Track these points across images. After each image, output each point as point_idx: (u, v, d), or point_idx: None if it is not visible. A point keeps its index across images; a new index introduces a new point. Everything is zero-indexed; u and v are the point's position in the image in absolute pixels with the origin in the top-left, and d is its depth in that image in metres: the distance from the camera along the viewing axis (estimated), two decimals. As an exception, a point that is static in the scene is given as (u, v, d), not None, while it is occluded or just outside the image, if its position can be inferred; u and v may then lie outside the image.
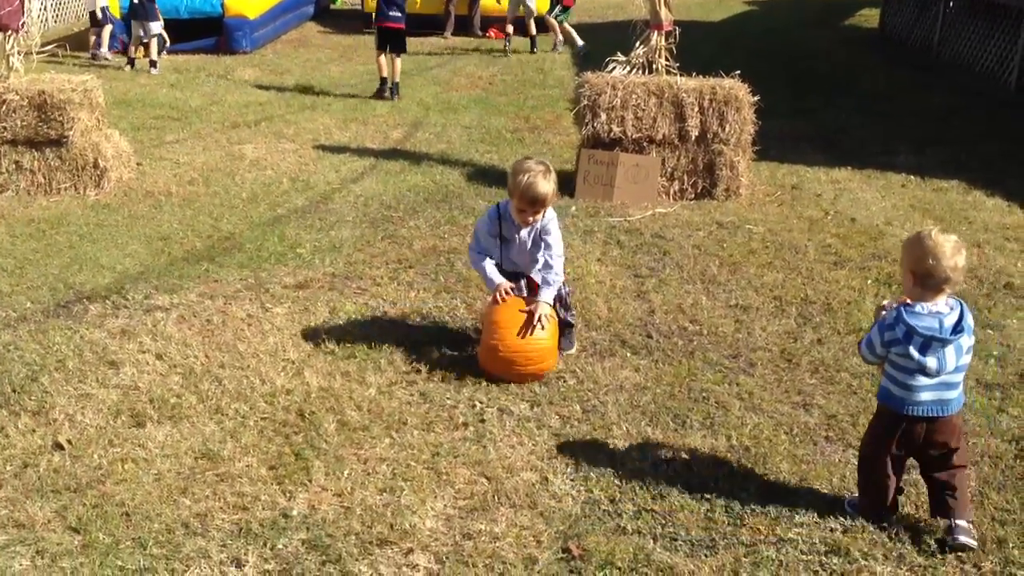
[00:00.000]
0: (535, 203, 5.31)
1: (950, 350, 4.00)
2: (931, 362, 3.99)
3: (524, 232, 5.52)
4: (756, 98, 9.09)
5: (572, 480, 4.57)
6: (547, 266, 5.52)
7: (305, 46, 19.25)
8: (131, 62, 15.77)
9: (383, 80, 13.92)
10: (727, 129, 9.09)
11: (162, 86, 14.54)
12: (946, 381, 4.05)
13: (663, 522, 4.25)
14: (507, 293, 5.49)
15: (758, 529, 4.18)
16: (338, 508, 4.32)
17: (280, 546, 4.05)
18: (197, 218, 8.50)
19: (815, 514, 4.28)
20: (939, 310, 4.01)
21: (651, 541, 4.12)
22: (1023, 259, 7.62)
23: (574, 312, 6.11)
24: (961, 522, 4.04)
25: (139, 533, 4.10)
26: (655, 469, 4.66)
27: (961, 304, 4.05)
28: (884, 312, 4.15)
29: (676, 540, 4.13)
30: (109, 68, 15.75)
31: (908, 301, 4.06)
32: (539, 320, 5.39)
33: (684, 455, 4.77)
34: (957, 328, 3.98)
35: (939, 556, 3.98)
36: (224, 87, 14.70)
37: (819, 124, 12.50)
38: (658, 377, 5.62)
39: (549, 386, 5.50)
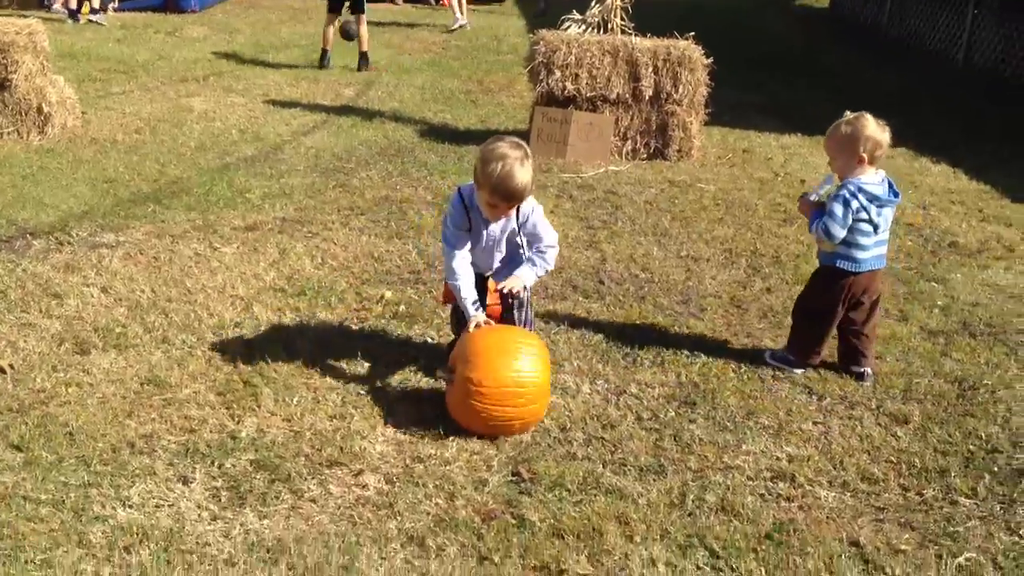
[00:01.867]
0: (511, 199, 4.24)
1: (888, 210, 4.83)
2: (882, 221, 4.79)
3: (494, 227, 4.50)
4: (710, 60, 9.14)
5: (523, 411, 4.56)
6: (539, 252, 4.58)
7: (255, 7, 19.00)
8: (73, 14, 15.43)
9: (325, 51, 13.35)
10: (680, 90, 9.13)
11: (108, 41, 14.25)
12: (883, 238, 4.88)
13: (612, 449, 4.27)
14: (485, 324, 4.47)
15: (706, 457, 4.21)
16: (287, 432, 4.28)
17: (228, 465, 4.00)
18: (144, 163, 8.35)
19: (762, 444, 4.33)
20: (880, 179, 4.78)
21: (600, 466, 4.13)
22: (967, 220, 7.77)
23: (532, 321, 5.05)
24: (869, 369, 4.99)
25: (83, 452, 4.03)
26: (606, 401, 4.68)
27: (884, 173, 4.84)
28: (813, 198, 4.95)
29: (625, 466, 4.14)
30: (54, 21, 15.39)
31: (849, 178, 4.78)
32: (513, 295, 4.53)
33: (634, 389, 4.79)
34: (894, 192, 4.79)
35: (883, 483, 4.05)
36: (172, 44, 14.46)
37: (770, 96, 12.63)
38: (610, 319, 5.64)
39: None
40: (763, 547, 3.58)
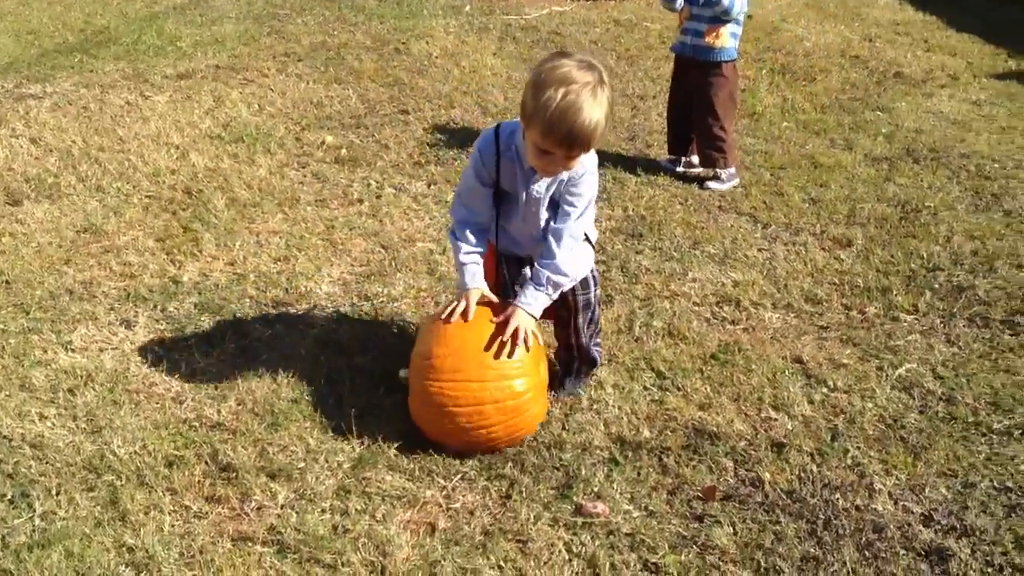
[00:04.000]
0: (573, 144, 2.77)
1: None
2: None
3: (539, 186, 3.05)
4: None
5: (469, 248, 4.52)
6: (548, 252, 3.08)
7: None
8: None
9: None
10: (624, -76, 8.83)
11: None
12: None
13: (560, 281, 4.26)
14: (464, 312, 3.09)
15: (652, 286, 4.23)
16: (231, 275, 4.22)
17: (171, 309, 3.94)
18: (68, 14, 8.00)
19: (708, 271, 4.35)
20: None
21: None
22: (912, 51, 7.72)
23: (598, 328, 3.50)
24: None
25: (21, 299, 3.94)
26: (552, 236, 4.65)
27: None
28: None
29: (573, 296, 4.15)
30: None
31: None
32: (515, 338, 3.04)
33: (581, 224, 4.76)
34: None
35: (826, 303, 4.10)
36: None
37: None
38: (555, 157, 5.56)
39: (445, 165, 5.41)
40: (708, 367, 3.63)
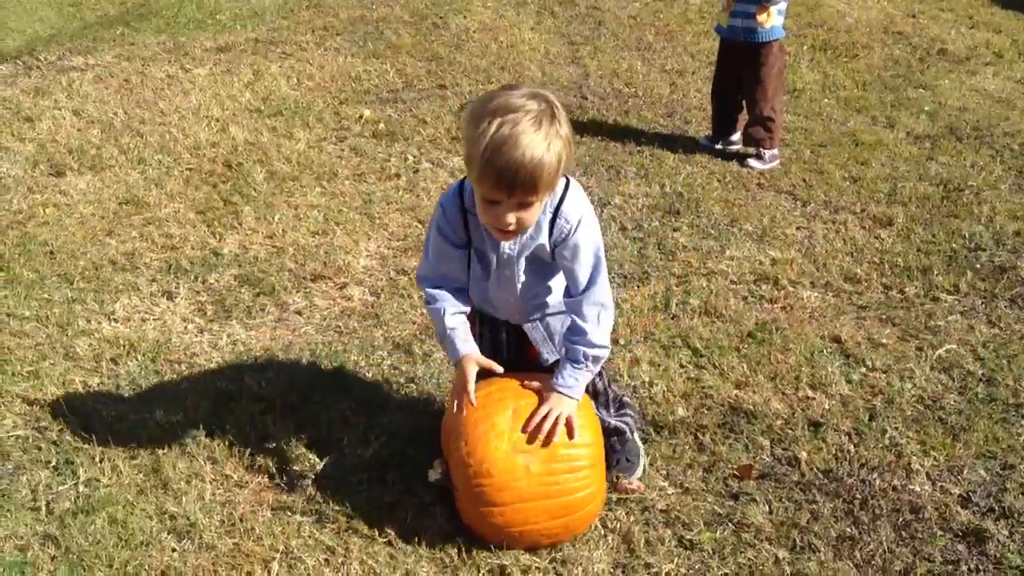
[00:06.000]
0: (514, 185, 2.24)
1: None
2: None
3: (507, 245, 2.53)
4: None
5: (506, 223, 4.52)
6: (576, 328, 2.56)
7: None
8: None
9: None
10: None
11: None
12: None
13: (597, 257, 4.26)
14: (465, 394, 2.59)
15: (689, 263, 4.21)
16: (270, 248, 4.25)
17: (212, 280, 3.99)
18: (109, -14, 8.05)
19: (745, 249, 4.32)
20: None
21: (585, 274, 4.13)
22: (956, 28, 7.59)
23: (626, 400, 3.02)
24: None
25: (64, 270, 4.00)
26: (589, 212, 4.65)
27: None
28: None
29: (609, 273, 4.14)
30: None
31: None
32: (556, 424, 2.56)
33: (618, 201, 4.75)
34: None
35: (865, 282, 4.06)
36: None
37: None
38: (593, 134, 5.55)
39: (482, 140, 5.41)
40: (745, 345, 3.62)
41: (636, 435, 2.96)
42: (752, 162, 5.17)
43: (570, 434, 2.55)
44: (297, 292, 3.94)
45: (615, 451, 2.86)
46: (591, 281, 2.51)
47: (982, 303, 3.90)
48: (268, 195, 4.68)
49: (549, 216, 2.45)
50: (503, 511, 2.54)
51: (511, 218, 2.31)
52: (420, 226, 4.47)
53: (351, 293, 3.95)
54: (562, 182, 2.43)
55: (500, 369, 2.62)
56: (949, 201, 4.75)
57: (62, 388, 3.28)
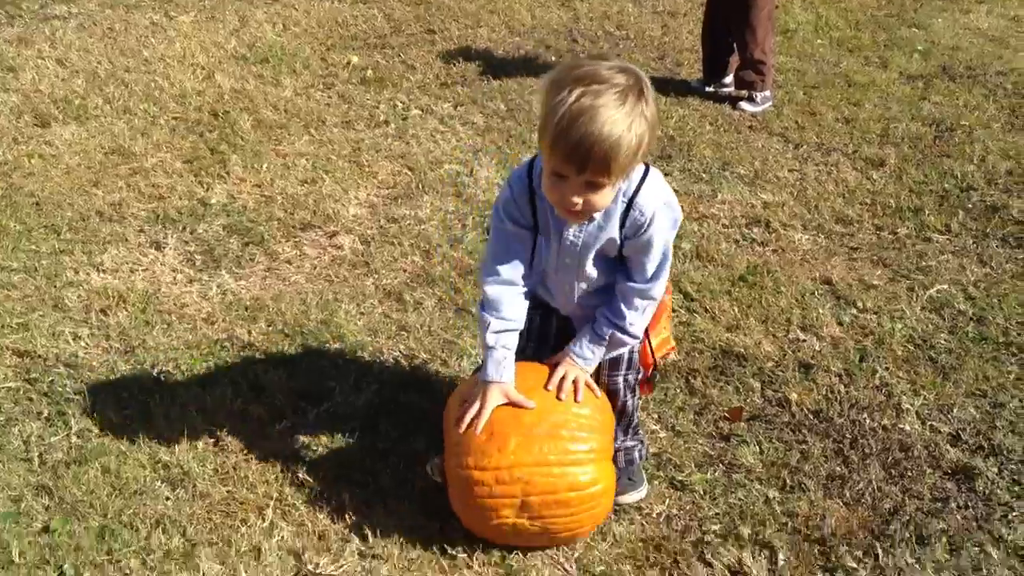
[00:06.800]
0: (587, 160, 2.04)
1: None
2: None
3: (571, 231, 2.31)
4: None
5: (496, 170, 4.50)
6: (616, 310, 2.41)
7: None
8: None
9: None
10: None
11: None
12: None
13: (588, 202, 4.24)
14: (476, 417, 2.39)
15: (681, 207, 4.18)
16: (258, 197, 4.22)
17: (200, 231, 3.96)
18: (90, -67, 7.90)
19: (737, 192, 4.30)
20: None
21: (576, 219, 4.11)
22: (951, -35, 7.51)
23: (640, 431, 2.78)
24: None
25: (51, 221, 3.97)
26: (580, 157, 4.62)
27: None
28: None
29: (601, 217, 4.13)
30: None
31: None
32: (570, 382, 2.43)
33: (609, 144, 4.70)
34: None
35: (857, 224, 4.05)
36: None
37: None
38: (583, 77, 5.49)
39: (471, 86, 5.35)
40: (737, 289, 3.61)
41: (643, 462, 2.76)
42: (744, 105, 5.13)
43: (583, 394, 2.40)
44: (287, 241, 3.92)
45: (620, 469, 2.62)
46: (654, 276, 2.34)
47: (973, 243, 3.89)
48: (255, 144, 4.64)
49: (622, 206, 2.23)
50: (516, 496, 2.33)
51: (578, 199, 2.11)
52: (410, 173, 4.44)
53: (341, 242, 3.93)
54: (640, 169, 2.24)
55: (531, 405, 2.38)
56: (941, 141, 4.72)
57: (52, 340, 3.27)
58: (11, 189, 4.17)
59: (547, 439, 2.33)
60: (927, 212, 4.10)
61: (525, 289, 2.44)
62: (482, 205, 4.17)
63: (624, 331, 2.39)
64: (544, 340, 2.60)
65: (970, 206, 4.13)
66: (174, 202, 4.15)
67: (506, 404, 2.37)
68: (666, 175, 4.35)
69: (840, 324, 3.41)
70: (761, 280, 3.66)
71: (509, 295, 2.41)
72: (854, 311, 3.48)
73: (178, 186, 4.26)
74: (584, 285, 2.44)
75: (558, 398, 2.38)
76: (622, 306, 2.38)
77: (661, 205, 2.27)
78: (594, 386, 2.45)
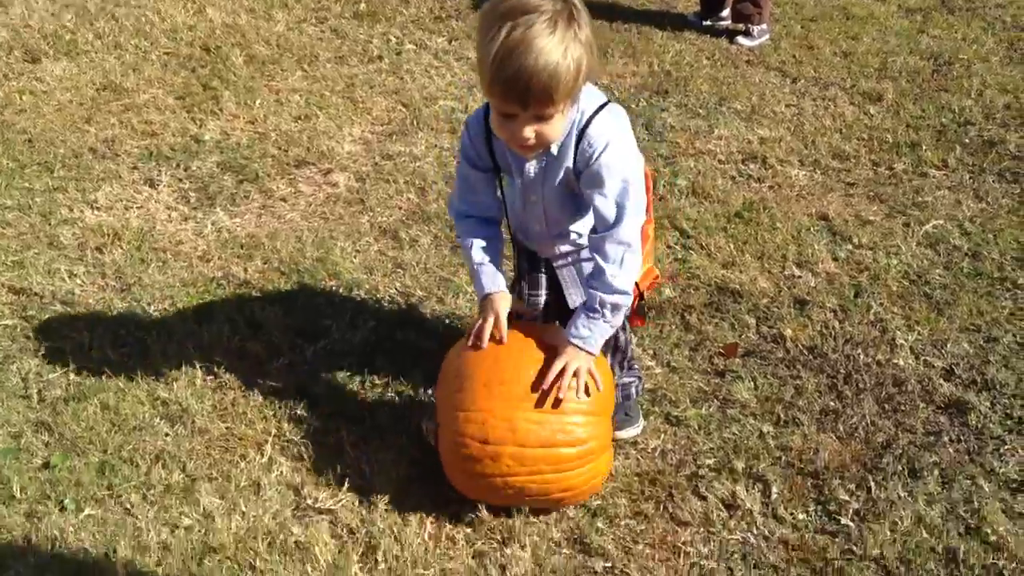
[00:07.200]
0: (528, 95, 2.01)
1: None
2: None
3: (531, 166, 2.29)
4: None
5: (492, 105, 4.46)
6: (596, 269, 2.30)
7: None
8: None
9: None
10: None
11: None
12: None
13: (584, 138, 4.22)
14: (495, 328, 2.37)
15: (677, 144, 4.17)
16: (252, 134, 4.19)
17: (194, 168, 3.94)
18: None
19: (734, 128, 4.28)
20: None
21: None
22: None
23: (636, 366, 2.78)
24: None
25: (44, 158, 3.95)
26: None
27: None
28: None
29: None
30: None
31: None
32: (569, 381, 2.29)
33: (606, 81, 4.67)
34: None
35: (854, 159, 4.04)
36: None
37: None
38: (579, 11, 5.42)
39: (466, 20, 5.29)
40: (732, 225, 3.61)
41: (639, 398, 2.76)
42: (741, 39, 5.08)
43: (588, 391, 2.29)
44: (281, 179, 3.90)
45: (616, 404, 2.55)
46: (618, 218, 2.23)
47: (970, 178, 3.89)
48: (248, 79, 4.60)
49: (575, 138, 2.20)
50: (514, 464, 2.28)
51: (529, 131, 2.08)
52: (404, 110, 4.41)
53: (336, 179, 3.92)
54: (597, 101, 2.21)
55: (537, 313, 2.40)
56: (939, 75, 4.69)
57: (48, 277, 3.26)
58: (3, 126, 4.14)
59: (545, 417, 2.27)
60: (924, 147, 4.08)
61: (492, 217, 2.45)
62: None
63: (610, 289, 2.27)
64: (535, 289, 2.59)
65: (967, 141, 4.12)
66: (167, 139, 4.12)
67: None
68: (662, 111, 4.39)
69: (836, 260, 3.41)
70: (757, 216, 3.65)
71: (482, 221, 2.43)
72: (850, 247, 3.48)
73: (171, 123, 4.23)
74: (550, 222, 2.39)
75: (559, 398, 2.26)
76: (599, 260, 2.28)
77: (614, 137, 2.20)
78: (596, 375, 2.32)
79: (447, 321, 3.12)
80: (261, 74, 4.65)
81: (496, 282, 2.40)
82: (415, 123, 4.31)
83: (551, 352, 2.31)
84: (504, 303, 2.38)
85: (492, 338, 2.35)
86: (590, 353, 2.30)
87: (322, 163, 4.01)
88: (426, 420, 2.58)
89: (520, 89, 1.99)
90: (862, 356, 2.96)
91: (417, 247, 3.49)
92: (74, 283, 3.25)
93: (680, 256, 3.43)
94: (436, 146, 4.14)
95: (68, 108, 4.31)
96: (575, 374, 2.28)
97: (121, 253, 3.40)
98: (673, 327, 3.10)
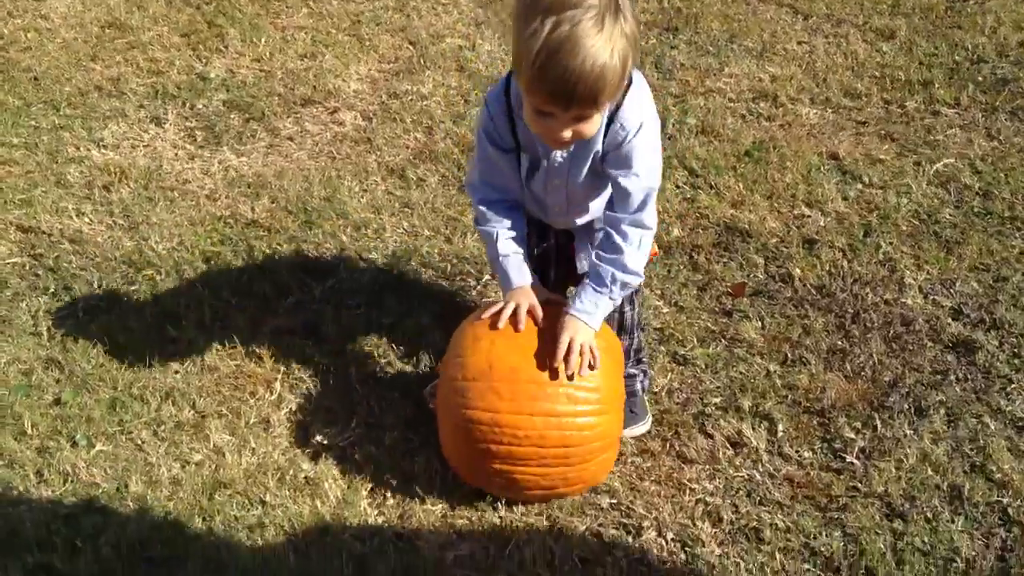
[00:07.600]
0: (572, 98, 1.91)
1: None
2: None
3: (559, 152, 2.20)
4: None
5: (499, 43, 4.40)
6: (611, 245, 2.23)
7: None
8: None
9: None
10: None
11: None
12: None
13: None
14: (530, 315, 2.28)
15: (687, 82, 4.13)
16: (258, 72, 4.16)
17: (200, 106, 3.92)
18: None
19: (745, 66, 4.23)
20: None
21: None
22: None
23: (645, 359, 2.64)
24: None
25: (50, 96, 3.93)
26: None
27: None
28: None
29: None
30: None
31: None
32: (577, 354, 2.20)
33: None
34: None
35: (865, 97, 3.99)
36: None
37: None
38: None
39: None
40: (742, 164, 3.58)
41: (645, 395, 2.64)
42: None
43: (592, 365, 2.21)
44: (287, 117, 3.88)
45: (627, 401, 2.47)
46: (645, 201, 2.17)
47: (982, 116, 3.84)
48: (253, 16, 4.55)
49: (605, 119, 2.08)
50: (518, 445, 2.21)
51: (567, 133, 1.99)
52: (411, 48, 4.36)
53: (343, 118, 3.89)
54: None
55: (564, 300, 2.35)
56: (953, 12, 4.61)
57: (55, 216, 3.27)
58: (8, 64, 4.12)
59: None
60: (936, 85, 4.03)
61: (515, 200, 2.35)
62: (485, 80, 4.11)
63: (624, 268, 2.21)
64: (546, 260, 2.54)
65: (980, 79, 4.06)
66: (173, 77, 4.09)
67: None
68: (672, 48, 4.34)
69: (845, 199, 3.39)
70: (767, 155, 3.62)
71: (505, 206, 2.33)
72: (860, 186, 3.46)
73: (176, 60, 4.19)
74: (573, 202, 2.33)
75: (568, 377, 2.19)
76: (616, 239, 2.20)
77: (646, 118, 2.12)
78: (596, 352, 2.23)
79: (454, 260, 3.12)
80: (266, 11, 4.60)
81: (524, 275, 2.30)
82: (422, 61, 4.26)
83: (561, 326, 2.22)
84: (532, 295, 2.29)
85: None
86: (591, 327, 2.23)
87: (329, 102, 3.98)
88: (430, 393, 2.54)
89: (566, 92, 1.89)
90: (870, 295, 2.95)
91: (424, 186, 3.48)
92: (82, 221, 3.25)
93: (689, 196, 3.41)
94: (443, 85, 4.10)
95: (73, 46, 4.28)
96: (581, 349, 2.19)
97: (128, 192, 3.40)
98: (681, 267, 3.09)
